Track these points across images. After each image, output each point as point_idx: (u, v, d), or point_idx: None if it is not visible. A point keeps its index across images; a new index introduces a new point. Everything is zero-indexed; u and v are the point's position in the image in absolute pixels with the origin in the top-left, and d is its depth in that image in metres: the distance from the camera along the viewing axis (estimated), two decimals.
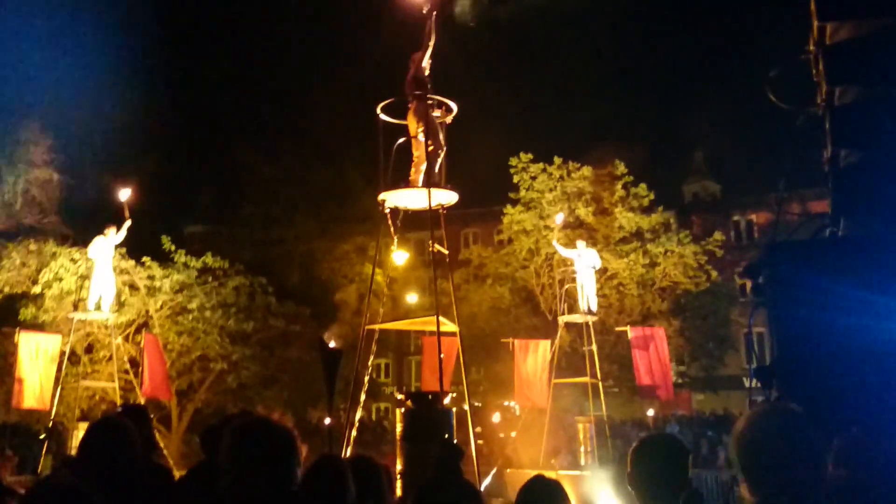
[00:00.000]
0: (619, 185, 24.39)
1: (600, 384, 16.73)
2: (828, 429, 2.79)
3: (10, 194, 19.12)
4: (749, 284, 4.59)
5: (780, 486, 2.13)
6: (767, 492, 2.15)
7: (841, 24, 4.01)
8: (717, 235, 24.98)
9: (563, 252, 17.01)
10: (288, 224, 30.77)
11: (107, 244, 15.11)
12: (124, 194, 15.14)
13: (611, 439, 17.09)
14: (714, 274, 24.35)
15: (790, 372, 3.98)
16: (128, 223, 15.08)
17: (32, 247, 20.66)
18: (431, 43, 9.66)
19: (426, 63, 9.77)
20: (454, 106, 10.25)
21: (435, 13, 9.58)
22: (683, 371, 27.19)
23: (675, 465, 2.86)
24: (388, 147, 10.15)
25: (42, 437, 14.78)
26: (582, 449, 17.11)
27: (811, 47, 4.15)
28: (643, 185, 24.43)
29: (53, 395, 14.92)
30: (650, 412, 27.86)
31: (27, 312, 19.85)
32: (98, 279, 15.13)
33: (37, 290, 19.86)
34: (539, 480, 3.54)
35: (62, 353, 15.33)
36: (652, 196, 24.54)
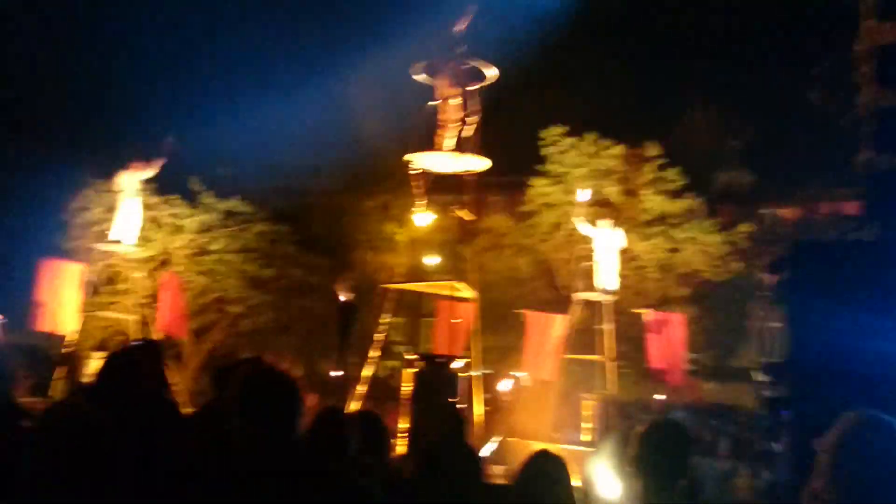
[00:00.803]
0: (649, 168, 24.11)
1: (609, 363, 16.73)
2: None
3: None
4: (771, 279, 4.57)
5: (863, 491, 2.18)
6: (849, 495, 2.20)
7: (891, 26, 3.92)
8: (743, 227, 24.69)
9: (584, 230, 16.89)
10: (314, 174, 30.78)
11: (133, 178, 15.13)
12: (166, 147, 15.11)
13: (615, 419, 17.13)
14: (736, 265, 24.13)
15: (804, 370, 3.97)
16: (163, 161, 15.06)
17: None
18: (469, 18, 9.58)
19: (462, 30, 9.70)
20: (494, 71, 10.16)
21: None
22: (695, 359, 27.12)
23: (678, 453, 2.88)
24: (419, 107, 10.11)
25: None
26: (585, 426, 17.18)
27: (857, 47, 4.06)
28: (674, 170, 24.14)
29: (72, 322, 15.16)
30: (658, 396, 27.86)
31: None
32: (123, 212, 15.24)
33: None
34: (543, 455, 3.57)
35: (87, 282, 15.52)
36: (683, 181, 24.25)
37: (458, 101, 9.77)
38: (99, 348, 18.36)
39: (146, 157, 15.11)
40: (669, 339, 16.58)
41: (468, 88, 9.95)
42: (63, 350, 15.99)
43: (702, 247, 23.77)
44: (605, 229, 16.37)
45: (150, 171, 15.12)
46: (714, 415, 26.93)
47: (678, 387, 21.22)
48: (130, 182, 15.06)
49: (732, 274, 24.37)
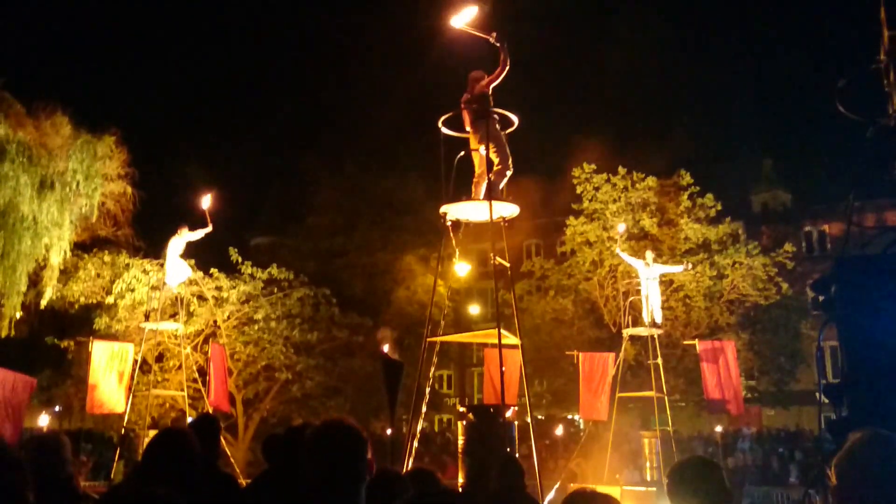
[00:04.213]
0: (684, 196, 23.98)
1: (666, 398, 16.41)
2: None
3: (87, 207, 19.74)
4: (819, 299, 4.47)
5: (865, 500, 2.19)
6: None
7: None
8: (788, 246, 24.33)
9: (629, 260, 16.75)
10: (351, 235, 31.11)
11: (179, 242, 15.34)
12: (206, 202, 15.36)
13: (678, 454, 16.72)
14: (785, 286, 23.69)
15: (860, 389, 3.86)
16: (208, 229, 15.25)
17: (107, 258, 21.33)
18: (505, 72, 9.62)
19: (492, 86, 9.74)
20: (515, 118, 10.22)
21: (505, 42, 9.55)
22: (753, 386, 26.54)
23: (710, 486, 2.87)
24: (450, 159, 10.17)
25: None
26: (647, 464, 16.79)
27: (882, 57, 4.03)
28: (710, 196, 23.98)
29: (126, 403, 15.33)
30: (718, 427, 27.26)
31: (101, 322, 20.49)
32: (171, 271, 15.43)
33: (110, 300, 20.48)
34: (579, 494, 3.49)
35: (135, 362, 15.73)
36: (719, 206, 24.06)
37: (484, 151, 9.81)
38: (154, 426, 18.54)
39: (192, 225, 15.25)
40: (725, 368, 16.19)
41: (503, 142, 9.97)
42: (119, 431, 16.14)
43: (747, 270, 23.45)
44: (650, 260, 16.22)
45: (197, 235, 15.19)
46: (780, 442, 26.26)
47: (739, 416, 20.72)
48: (176, 246, 15.21)
49: (782, 295, 23.96)
